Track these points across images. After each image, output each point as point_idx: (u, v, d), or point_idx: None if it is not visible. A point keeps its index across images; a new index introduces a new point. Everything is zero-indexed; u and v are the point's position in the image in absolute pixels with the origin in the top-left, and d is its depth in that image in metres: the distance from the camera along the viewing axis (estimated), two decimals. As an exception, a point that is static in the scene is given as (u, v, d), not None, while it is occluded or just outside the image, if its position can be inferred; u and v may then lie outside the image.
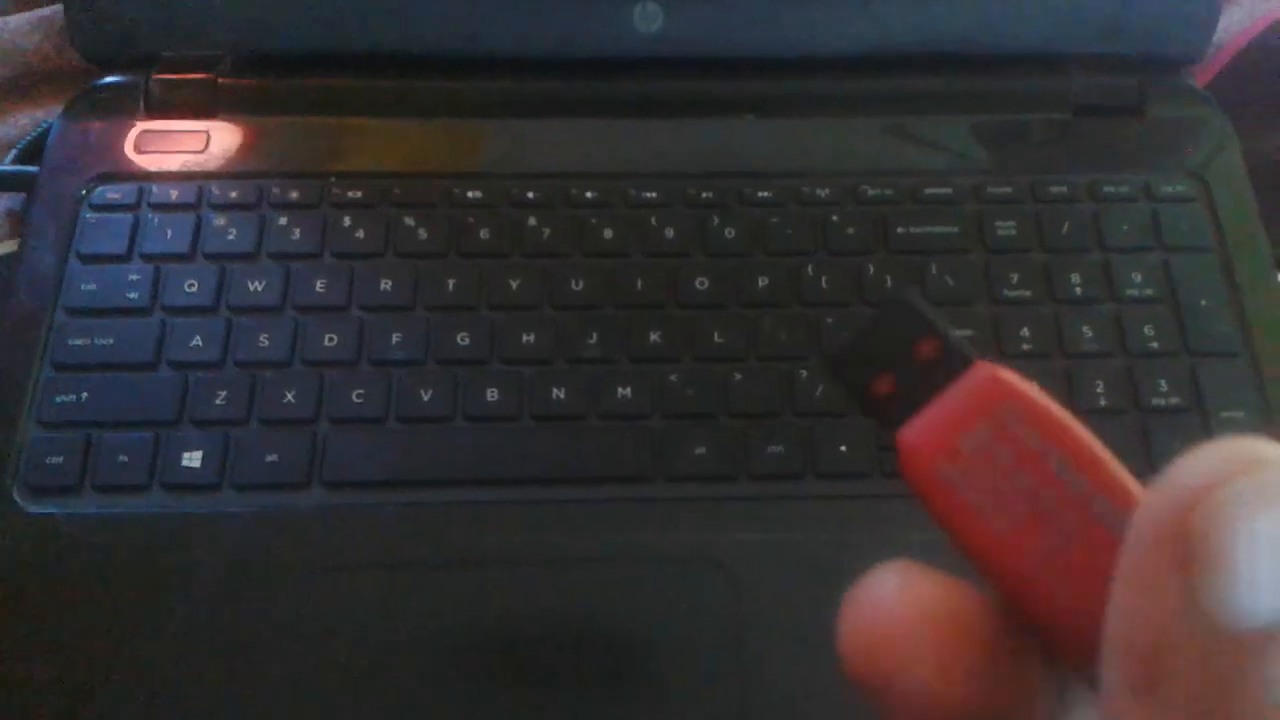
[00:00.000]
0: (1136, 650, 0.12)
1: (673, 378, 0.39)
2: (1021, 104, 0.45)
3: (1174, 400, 0.39)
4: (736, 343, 0.40)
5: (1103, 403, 0.39)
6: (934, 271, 0.41)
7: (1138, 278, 0.41)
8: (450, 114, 0.45)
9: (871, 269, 0.42)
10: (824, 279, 0.41)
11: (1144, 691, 0.12)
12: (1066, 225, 0.42)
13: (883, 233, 0.42)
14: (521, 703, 0.35)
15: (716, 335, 0.40)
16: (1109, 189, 0.43)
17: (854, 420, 0.39)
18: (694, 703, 0.35)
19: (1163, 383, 0.39)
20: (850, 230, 0.42)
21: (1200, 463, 0.12)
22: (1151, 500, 0.12)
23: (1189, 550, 0.12)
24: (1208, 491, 0.12)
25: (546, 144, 0.44)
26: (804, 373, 0.39)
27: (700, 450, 0.38)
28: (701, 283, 0.41)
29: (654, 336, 0.40)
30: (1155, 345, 0.40)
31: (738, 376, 0.39)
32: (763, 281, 0.41)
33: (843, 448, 0.38)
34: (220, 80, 0.46)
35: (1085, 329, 0.40)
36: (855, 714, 0.35)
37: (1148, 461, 0.38)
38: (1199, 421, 0.38)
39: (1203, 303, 0.41)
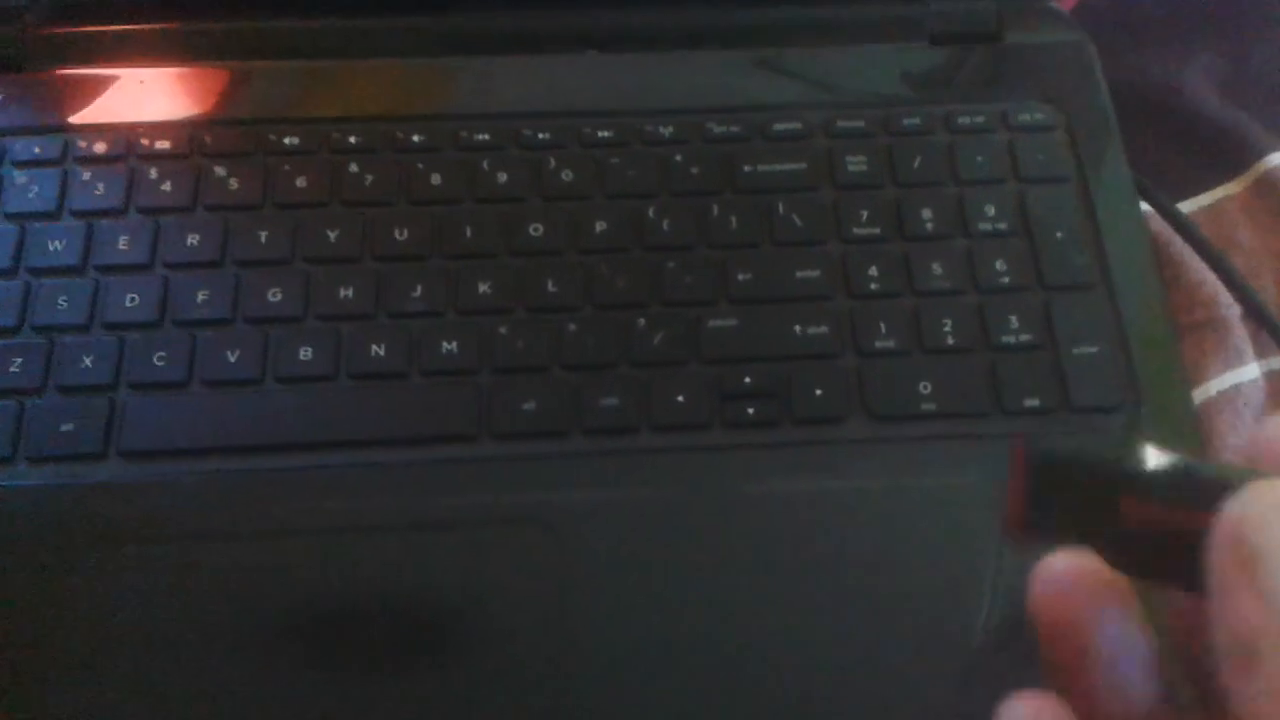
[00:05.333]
0: (1239, 638, 0.15)
1: (502, 330, 0.37)
2: (875, 33, 0.43)
3: (1024, 337, 0.37)
4: (572, 291, 0.38)
5: (951, 342, 0.37)
6: (781, 211, 0.39)
7: (991, 211, 0.39)
8: (265, 55, 0.42)
9: (716, 209, 0.39)
10: (666, 221, 0.39)
11: (1248, 667, 0.15)
12: (919, 159, 0.40)
13: (729, 172, 0.40)
14: (337, 675, 0.33)
15: (551, 284, 0.38)
16: (964, 120, 0.41)
17: (693, 368, 0.37)
18: (514, 669, 0.33)
19: (1013, 319, 0.37)
20: (694, 170, 0.40)
21: (1242, 494, 0.16)
22: (1216, 527, 0.16)
23: (1246, 551, 0.15)
24: (1246, 511, 0.15)
25: (368, 85, 0.42)
26: (642, 320, 0.37)
27: (529, 405, 0.36)
28: (536, 229, 0.39)
29: (483, 287, 0.38)
30: (1007, 280, 0.38)
31: (572, 327, 0.37)
32: (601, 226, 0.39)
33: (680, 398, 0.36)
34: (31, 31, 0.43)
35: (935, 266, 0.38)
36: (674, 676, 0.33)
37: (995, 401, 0.36)
38: (1050, 358, 0.37)
39: (1058, 235, 0.39)
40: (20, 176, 0.40)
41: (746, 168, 0.40)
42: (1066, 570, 0.18)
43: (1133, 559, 0.17)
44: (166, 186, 0.39)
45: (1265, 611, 0.15)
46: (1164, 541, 0.17)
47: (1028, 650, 0.33)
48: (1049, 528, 0.18)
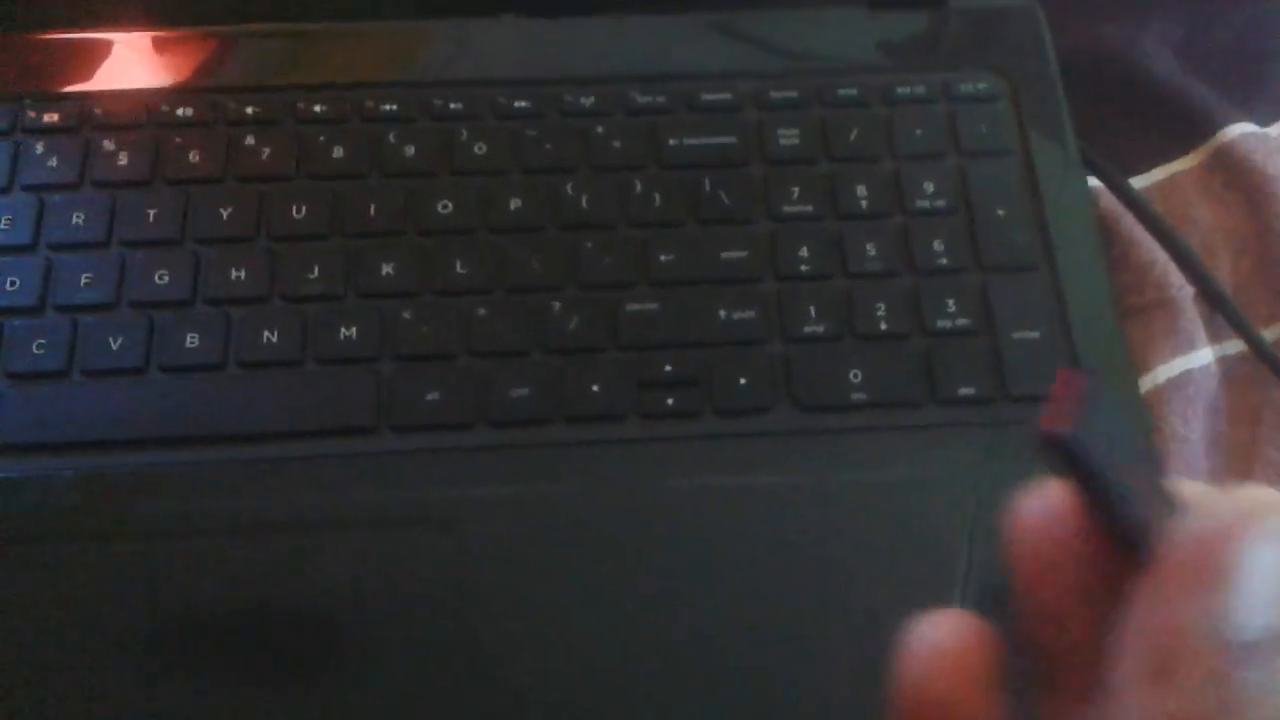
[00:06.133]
0: (1158, 650, 0.15)
1: (406, 315, 0.35)
2: (811, -3, 0.40)
3: (961, 321, 0.35)
4: (482, 273, 0.36)
5: (884, 327, 0.35)
6: (708, 187, 0.37)
7: (929, 187, 0.37)
8: (155, 22, 0.39)
9: (639, 186, 0.37)
10: (585, 198, 0.37)
11: (1159, 681, 0.14)
12: (855, 132, 0.38)
13: (653, 145, 0.38)
14: (220, 683, 0.31)
15: (459, 265, 0.36)
16: (903, 90, 0.39)
17: (610, 355, 0.34)
18: (412, 681, 0.31)
19: (950, 302, 0.35)
20: (616, 143, 0.38)
21: (1225, 505, 0.16)
22: (1181, 532, 0.15)
23: (1210, 573, 0.14)
24: (1230, 528, 0.15)
25: (265, 52, 0.39)
26: (557, 304, 0.35)
27: (433, 396, 0.34)
28: (444, 206, 0.36)
29: (386, 269, 0.35)
30: (944, 261, 0.36)
31: (481, 311, 0.35)
32: (515, 203, 0.37)
33: (595, 387, 0.34)
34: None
35: (869, 246, 0.36)
36: (585, 684, 0.31)
37: (929, 390, 0.34)
38: (987, 344, 0.35)
39: (999, 212, 0.37)
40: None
41: (672, 141, 0.38)
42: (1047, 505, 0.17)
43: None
44: (53, 162, 0.37)
45: (1200, 631, 0.14)
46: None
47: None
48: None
